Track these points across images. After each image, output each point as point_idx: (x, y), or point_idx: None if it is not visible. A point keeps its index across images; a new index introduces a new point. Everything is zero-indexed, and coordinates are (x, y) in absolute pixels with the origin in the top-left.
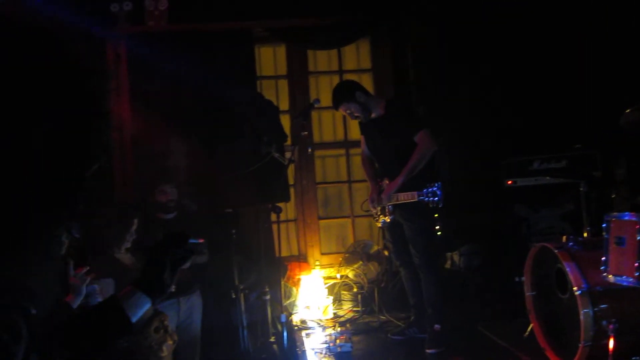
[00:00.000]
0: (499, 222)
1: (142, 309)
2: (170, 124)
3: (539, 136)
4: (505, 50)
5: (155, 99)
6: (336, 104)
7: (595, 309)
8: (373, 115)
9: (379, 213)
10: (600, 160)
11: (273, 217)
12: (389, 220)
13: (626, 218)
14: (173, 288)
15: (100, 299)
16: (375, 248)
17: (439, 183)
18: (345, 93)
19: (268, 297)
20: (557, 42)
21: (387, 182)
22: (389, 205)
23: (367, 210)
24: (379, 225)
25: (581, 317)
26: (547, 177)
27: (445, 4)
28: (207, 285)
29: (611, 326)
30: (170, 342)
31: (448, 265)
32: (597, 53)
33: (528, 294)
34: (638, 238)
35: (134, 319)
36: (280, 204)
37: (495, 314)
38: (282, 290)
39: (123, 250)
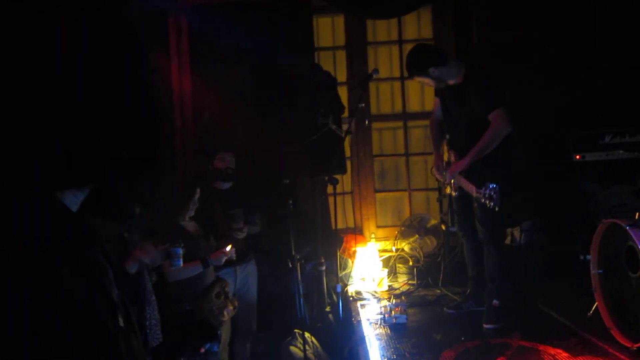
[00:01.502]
0: (564, 199)
1: None
2: (229, 95)
3: (611, 109)
4: (575, 18)
5: (215, 70)
6: (409, 73)
7: None
8: (450, 82)
9: (445, 182)
10: None
11: (329, 189)
12: (455, 194)
13: None
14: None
15: (180, 263)
16: (432, 222)
17: (497, 186)
18: (418, 67)
19: (324, 267)
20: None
21: (454, 157)
22: (453, 182)
23: (427, 189)
24: (448, 191)
25: None
26: (621, 151)
27: None
28: (264, 254)
29: None
30: (231, 308)
31: (508, 241)
32: None
33: (594, 272)
34: None
35: None
36: (337, 176)
37: (556, 293)
38: (338, 261)
39: (187, 218)
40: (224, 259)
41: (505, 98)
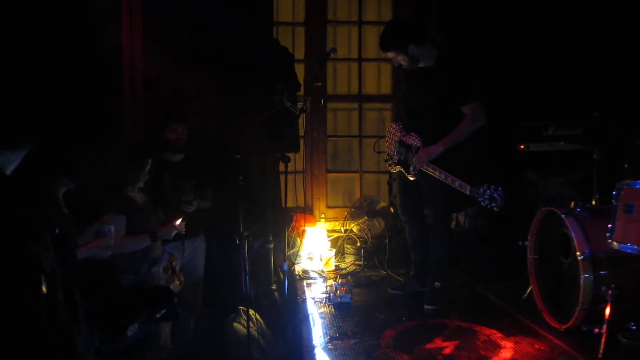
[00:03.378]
0: (507, 186)
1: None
2: (183, 66)
3: (555, 101)
4: (530, 14)
5: (169, 39)
6: (384, 46)
7: (596, 274)
8: (421, 64)
9: (396, 162)
10: (616, 129)
11: (281, 167)
12: (412, 178)
13: (637, 186)
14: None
15: (112, 241)
16: (382, 204)
17: (501, 189)
18: (397, 41)
19: (272, 245)
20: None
21: (417, 142)
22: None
23: (381, 152)
24: (393, 172)
25: (581, 281)
26: (562, 143)
27: None
28: (212, 230)
29: (610, 292)
30: (177, 283)
31: (453, 225)
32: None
33: (530, 256)
34: None
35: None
36: (289, 155)
37: (496, 276)
38: (286, 240)
39: (136, 189)
40: (174, 232)
41: (480, 90)
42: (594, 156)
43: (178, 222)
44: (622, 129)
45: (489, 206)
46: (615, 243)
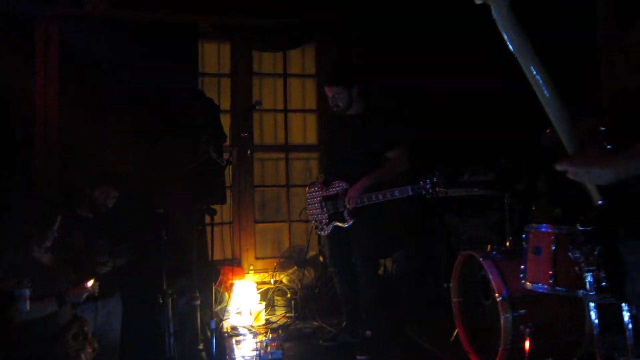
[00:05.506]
0: (429, 231)
1: None
2: (104, 116)
3: (469, 150)
4: (449, 65)
5: (88, 87)
6: (331, 80)
7: (515, 314)
8: (349, 111)
9: (327, 220)
10: (524, 175)
11: (207, 219)
12: (345, 225)
13: (543, 229)
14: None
15: (27, 306)
16: (311, 253)
17: (438, 172)
18: (347, 79)
19: (198, 302)
20: (491, 60)
21: (342, 184)
22: (357, 206)
23: (308, 221)
24: (323, 234)
25: (501, 321)
26: (476, 189)
27: (392, 12)
28: (133, 289)
29: (527, 330)
30: (89, 350)
31: (381, 271)
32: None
33: (455, 300)
34: (552, 248)
35: None
36: (216, 206)
37: (424, 320)
38: (214, 295)
39: (43, 249)
40: (85, 294)
41: (404, 137)
42: (505, 200)
43: (90, 283)
44: (528, 173)
45: (434, 195)
46: (528, 283)
